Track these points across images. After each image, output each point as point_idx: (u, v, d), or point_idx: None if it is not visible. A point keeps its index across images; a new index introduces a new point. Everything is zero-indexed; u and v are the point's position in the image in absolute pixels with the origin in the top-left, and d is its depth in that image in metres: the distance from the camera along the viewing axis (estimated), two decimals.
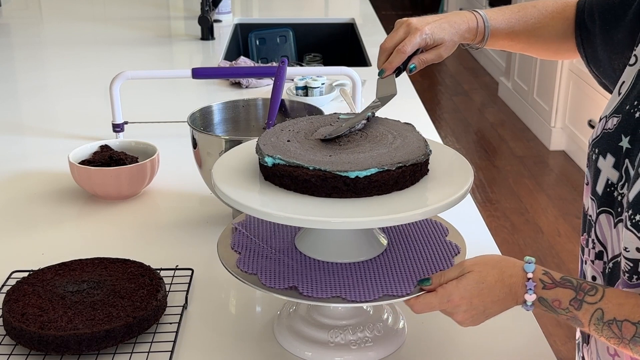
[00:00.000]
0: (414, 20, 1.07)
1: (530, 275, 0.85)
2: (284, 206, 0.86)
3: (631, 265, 0.86)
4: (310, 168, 0.86)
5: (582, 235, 1.00)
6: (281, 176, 0.89)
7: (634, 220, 0.84)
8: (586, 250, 0.99)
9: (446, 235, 1.04)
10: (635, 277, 0.86)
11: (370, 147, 0.93)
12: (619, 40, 1.01)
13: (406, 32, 1.06)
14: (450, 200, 0.88)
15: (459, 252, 1.00)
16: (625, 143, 0.89)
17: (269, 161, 0.89)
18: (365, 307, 1.03)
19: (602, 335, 0.82)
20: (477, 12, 1.11)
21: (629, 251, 0.86)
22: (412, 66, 1.07)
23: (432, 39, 1.06)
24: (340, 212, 0.85)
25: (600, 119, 0.95)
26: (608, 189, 0.92)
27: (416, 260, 0.97)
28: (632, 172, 0.86)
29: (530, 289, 0.84)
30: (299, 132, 0.98)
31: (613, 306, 0.81)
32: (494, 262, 0.88)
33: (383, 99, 1.06)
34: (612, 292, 0.83)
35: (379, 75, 1.07)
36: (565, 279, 0.84)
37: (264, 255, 0.98)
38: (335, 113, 1.06)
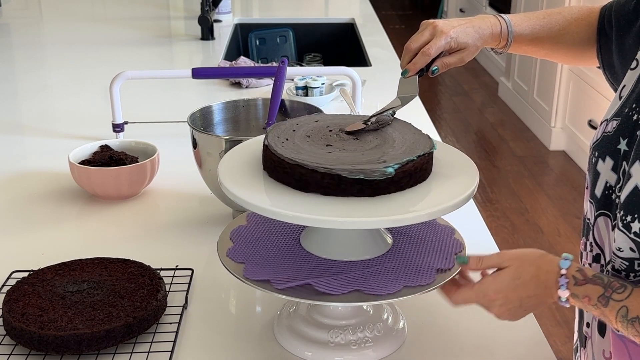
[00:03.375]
0: (440, 23, 1.08)
1: (564, 271, 0.85)
2: (291, 205, 0.86)
3: (627, 264, 0.87)
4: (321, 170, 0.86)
5: (582, 239, 1.00)
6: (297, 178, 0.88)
7: (625, 222, 0.85)
8: (584, 254, 0.99)
9: (452, 235, 1.05)
10: (632, 274, 0.87)
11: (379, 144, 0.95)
12: (629, 46, 1.01)
13: (432, 35, 1.07)
14: (456, 201, 0.88)
15: (461, 251, 1.00)
16: (623, 146, 0.90)
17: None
18: (365, 307, 1.03)
19: (628, 333, 0.83)
20: (502, 17, 1.12)
21: (622, 251, 0.87)
22: (434, 68, 1.08)
23: (456, 42, 1.07)
24: (348, 211, 0.85)
25: (601, 123, 0.96)
26: (606, 192, 0.92)
27: (425, 257, 0.98)
28: None
29: (562, 285, 0.85)
30: (305, 130, 0.98)
31: (638, 304, 0.81)
32: (533, 259, 0.89)
33: (404, 98, 1.07)
34: None
35: (402, 75, 1.08)
36: (597, 276, 0.85)
37: (268, 254, 0.98)
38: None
